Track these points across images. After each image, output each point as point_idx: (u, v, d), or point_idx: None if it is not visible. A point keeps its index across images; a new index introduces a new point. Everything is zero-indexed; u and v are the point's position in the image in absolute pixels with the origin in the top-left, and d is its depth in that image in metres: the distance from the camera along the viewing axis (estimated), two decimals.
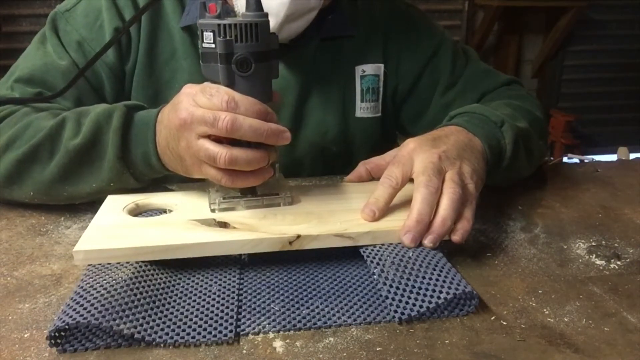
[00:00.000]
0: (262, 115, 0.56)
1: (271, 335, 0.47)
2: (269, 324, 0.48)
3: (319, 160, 0.90)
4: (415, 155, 0.62)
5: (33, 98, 0.74)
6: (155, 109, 0.65)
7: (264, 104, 0.57)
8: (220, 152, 0.55)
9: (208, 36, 0.57)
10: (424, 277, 0.51)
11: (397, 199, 0.61)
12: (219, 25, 0.56)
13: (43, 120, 0.67)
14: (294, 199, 0.64)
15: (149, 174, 0.67)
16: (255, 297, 0.52)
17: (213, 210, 0.60)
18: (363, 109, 0.91)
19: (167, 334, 0.46)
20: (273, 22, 0.76)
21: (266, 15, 0.57)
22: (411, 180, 0.61)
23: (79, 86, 0.78)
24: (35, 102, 0.74)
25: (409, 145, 0.64)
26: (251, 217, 0.60)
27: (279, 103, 0.62)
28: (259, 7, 0.57)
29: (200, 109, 0.55)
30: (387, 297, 0.50)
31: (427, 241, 0.56)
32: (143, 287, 0.50)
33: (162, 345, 0.45)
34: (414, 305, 0.49)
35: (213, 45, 0.57)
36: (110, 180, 0.65)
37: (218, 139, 0.56)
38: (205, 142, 0.55)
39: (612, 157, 1.02)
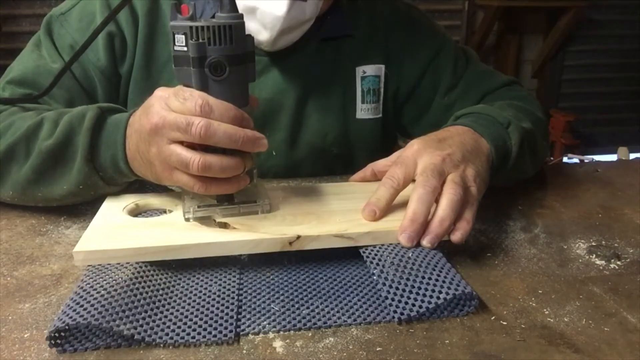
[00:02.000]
0: (238, 121, 0.54)
1: (271, 335, 0.47)
2: (269, 324, 0.48)
3: (319, 162, 0.90)
4: (419, 156, 0.62)
5: (21, 98, 0.74)
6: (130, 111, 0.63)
7: (240, 109, 0.55)
8: (193, 157, 0.52)
9: (180, 39, 0.54)
10: (423, 278, 0.51)
11: (399, 200, 0.61)
12: (190, 27, 0.53)
13: (24, 120, 0.66)
14: (272, 206, 0.61)
15: (119, 179, 0.64)
16: (255, 297, 0.52)
17: (187, 219, 0.58)
18: (364, 110, 0.91)
19: (167, 334, 0.46)
20: (267, 36, 0.75)
21: (241, 16, 0.55)
22: (414, 181, 0.61)
23: (70, 89, 0.78)
24: (23, 102, 0.73)
25: (414, 146, 0.64)
26: (251, 217, 0.60)
27: (255, 107, 0.60)
28: (233, 8, 0.55)
29: (172, 113, 0.53)
30: (386, 298, 0.50)
31: (425, 241, 0.56)
32: (143, 287, 0.50)
33: (162, 345, 0.45)
34: (413, 305, 0.49)
35: (185, 48, 0.54)
36: (79, 183, 0.63)
37: (191, 145, 0.53)
38: (177, 148, 0.53)
39: (612, 157, 1.02)
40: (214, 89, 0.55)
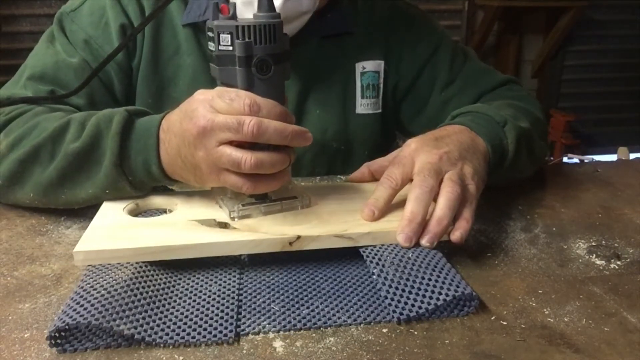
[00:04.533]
0: (284, 117, 0.55)
1: (271, 335, 0.47)
2: (269, 324, 0.48)
3: (319, 157, 0.90)
4: (416, 156, 0.62)
5: (46, 97, 0.74)
6: (158, 114, 0.63)
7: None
8: (245, 156, 0.53)
9: (225, 38, 0.54)
10: (423, 278, 0.51)
11: (398, 199, 0.61)
12: (237, 27, 0.53)
13: (50, 122, 0.66)
14: (311, 201, 0.62)
15: (149, 183, 0.64)
16: (255, 297, 0.52)
17: (233, 219, 0.58)
18: (363, 106, 0.91)
19: (167, 334, 0.46)
20: None
21: (279, 15, 0.56)
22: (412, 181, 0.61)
23: (92, 84, 0.78)
24: (48, 100, 0.73)
25: (411, 145, 0.64)
26: (251, 217, 0.59)
27: (286, 104, 0.61)
28: (271, 7, 0.56)
29: (220, 115, 0.53)
30: (386, 298, 0.50)
31: (424, 241, 0.56)
32: (143, 287, 0.50)
33: (162, 345, 0.45)
34: (413, 305, 0.49)
35: (230, 48, 0.54)
36: (106, 188, 0.62)
37: (239, 145, 0.54)
38: (227, 148, 0.53)
39: (612, 157, 1.01)
40: (259, 87, 0.55)
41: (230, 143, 0.54)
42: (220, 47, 0.55)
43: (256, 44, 0.54)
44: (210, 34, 0.57)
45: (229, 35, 0.54)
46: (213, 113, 0.54)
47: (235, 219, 0.58)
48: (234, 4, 0.56)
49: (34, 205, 0.68)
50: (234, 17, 0.55)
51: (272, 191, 0.60)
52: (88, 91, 0.78)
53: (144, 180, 0.63)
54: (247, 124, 0.52)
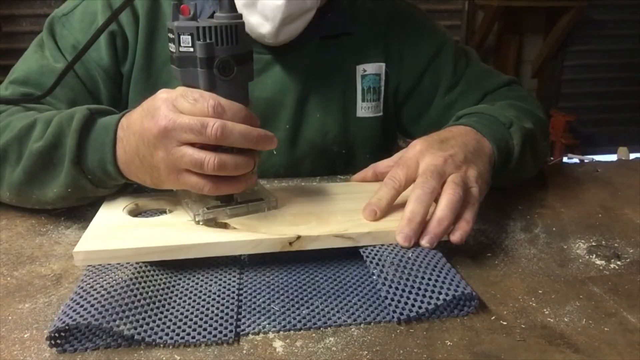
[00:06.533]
0: (249, 120, 0.54)
1: (271, 335, 0.47)
2: (269, 324, 0.48)
3: (319, 160, 0.90)
4: (421, 157, 0.62)
5: (22, 98, 0.74)
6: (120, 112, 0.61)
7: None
8: (208, 157, 0.52)
9: (186, 39, 0.53)
10: (422, 278, 0.51)
11: (400, 200, 0.61)
12: (197, 28, 0.52)
13: (19, 121, 0.65)
14: (278, 202, 0.62)
15: (107, 182, 0.62)
16: (255, 297, 0.52)
17: (198, 222, 0.57)
18: (364, 109, 0.91)
19: (167, 334, 0.46)
20: (270, 27, 0.75)
21: (240, 16, 0.55)
22: None
23: (74, 88, 0.78)
24: (26, 102, 0.73)
25: (416, 147, 0.63)
26: (251, 217, 0.60)
27: (250, 107, 0.60)
28: (232, 8, 0.55)
29: (182, 115, 0.52)
30: (386, 298, 0.50)
31: (424, 241, 0.56)
32: (143, 287, 0.50)
33: (162, 345, 0.45)
34: (412, 306, 0.49)
35: (192, 49, 0.53)
36: (68, 186, 0.61)
37: (202, 146, 0.53)
38: (189, 149, 0.53)
39: (612, 157, 1.02)
40: (222, 89, 0.55)
41: (193, 144, 0.53)
42: (181, 49, 0.54)
43: (218, 45, 0.53)
44: (170, 35, 0.55)
45: (189, 37, 0.53)
46: (175, 113, 0.53)
47: (200, 222, 0.57)
48: (195, 4, 0.55)
49: (14, 204, 0.68)
50: (194, 17, 0.54)
51: (240, 193, 0.60)
52: (70, 96, 0.77)
53: (102, 179, 0.61)
54: (210, 126, 0.51)
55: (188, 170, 0.54)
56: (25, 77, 0.77)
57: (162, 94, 0.55)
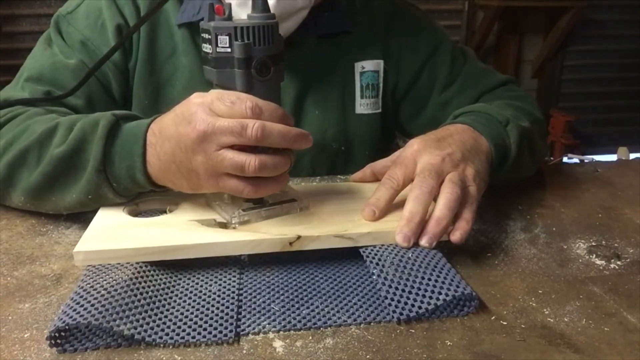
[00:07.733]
0: (285, 120, 0.54)
1: (271, 335, 0.47)
2: (269, 324, 0.48)
3: (319, 158, 0.90)
4: (419, 157, 0.62)
5: (42, 98, 0.74)
6: (147, 118, 0.61)
7: None
8: (248, 159, 0.52)
9: (223, 40, 0.53)
10: (422, 278, 0.51)
11: (399, 200, 0.61)
12: (235, 28, 0.52)
13: (39, 125, 0.65)
14: (309, 204, 0.62)
15: (134, 190, 0.62)
16: (255, 297, 0.52)
17: (234, 225, 0.57)
18: (363, 105, 0.91)
19: (167, 334, 0.46)
20: None
21: (274, 16, 0.55)
22: None
23: (89, 84, 0.78)
24: (45, 101, 0.73)
25: (413, 146, 0.63)
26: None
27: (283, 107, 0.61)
28: (266, 7, 0.55)
29: (221, 118, 0.52)
30: (386, 298, 0.50)
31: (424, 241, 0.56)
32: (143, 287, 0.50)
33: (162, 345, 0.45)
34: (412, 306, 0.49)
35: (229, 50, 0.53)
36: (88, 193, 0.61)
37: (241, 148, 0.53)
38: (229, 152, 0.52)
39: (612, 157, 1.02)
40: (258, 89, 0.54)
41: (231, 147, 0.53)
42: (218, 49, 0.54)
43: (255, 45, 0.53)
44: (205, 35, 0.55)
45: (227, 37, 0.53)
46: (213, 116, 0.53)
47: (236, 225, 0.57)
48: (229, 5, 0.55)
49: (27, 209, 0.67)
50: (229, 17, 0.54)
51: (270, 195, 0.60)
52: (86, 92, 0.78)
53: (128, 187, 0.61)
54: (250, 127, 0.51)
55: (227, 173, 0.54)
56: (39, 74, 0.77)
57: (197, 99, 0.54)
